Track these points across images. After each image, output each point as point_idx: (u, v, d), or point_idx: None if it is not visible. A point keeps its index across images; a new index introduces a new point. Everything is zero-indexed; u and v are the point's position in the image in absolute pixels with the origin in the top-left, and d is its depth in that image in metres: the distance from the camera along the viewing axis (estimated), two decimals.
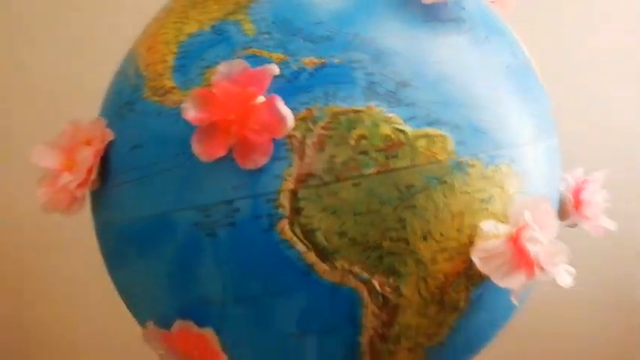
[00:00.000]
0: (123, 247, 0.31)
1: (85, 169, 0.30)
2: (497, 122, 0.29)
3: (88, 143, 0.31)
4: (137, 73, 0.32)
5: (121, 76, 0.34)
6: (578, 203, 0.37)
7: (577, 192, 0.37)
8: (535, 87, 0.34)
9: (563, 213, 0.37)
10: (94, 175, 0.31)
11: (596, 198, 0.37)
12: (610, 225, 0.37)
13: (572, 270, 0.27)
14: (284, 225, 0.27)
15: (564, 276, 0.27)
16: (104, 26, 0.79)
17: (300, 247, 0.27)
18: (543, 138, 0.32)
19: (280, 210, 0.27)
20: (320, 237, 0.27)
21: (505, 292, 0.31)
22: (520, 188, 0.30)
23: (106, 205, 0.32)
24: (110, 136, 0.31)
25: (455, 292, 0.29)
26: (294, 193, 0.26)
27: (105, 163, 0.31)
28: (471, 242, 0.28)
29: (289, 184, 0.26)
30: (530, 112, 0.32)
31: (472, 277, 0.29)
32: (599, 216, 0.37)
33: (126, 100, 0.32)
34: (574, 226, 0.37)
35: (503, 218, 0.29)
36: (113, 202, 0.31)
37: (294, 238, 0.27)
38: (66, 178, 0.31)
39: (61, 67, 0.79)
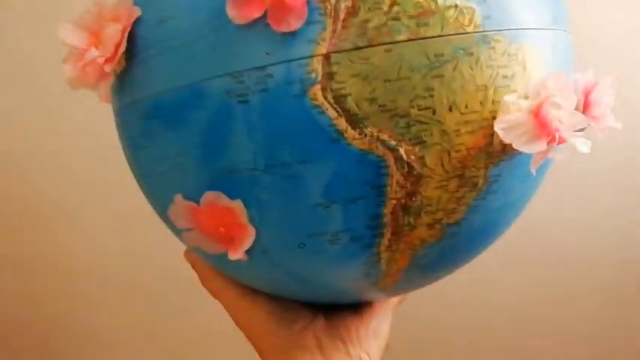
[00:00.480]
0: (149, 124, 0.31)
1: (113, 45, 0.30)
2: (522, 3, 0.30)
3: (115, 21, 0.31)
4: None
5: None
6: (587, 103, 0.38)
7: (587, 93, 0.38)
8: None
9: None
10: (121, 51, 0.31)
11: (605, 99, 0.38)
12: (616, 124, 0.38)
13: (589, 141, 0.29)
14: (316, 90, 0.27)
15: (582, 144, 0.28)
16: None
17: (331, 112, 0.27)
18: (563, 28, 0.33)
19: (313, 75, 0.27)
20: (351, 103, 0.27)
21: (520, 179, 0.33)
22: (540, 71, 0.31)
23: (131, 85, 0.32)
24: (137, 12, 0.31)
25: (475, 167, 0.30)
26: (326, 58, 0.27)
27: (131, 42, 0.31)
28: (493, 117, 0.29)
29: (322, 49, 0.27)
30: (551, 3, 0.33)
31: (492, 155, 0.30)
32: (607, 116, 0.38)
33: None
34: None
35: (523, 97, 0.30)
36: (140, 79, 0.31)
37: (326, 104, 0.27)
38: (93, 53, 0.31)
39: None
